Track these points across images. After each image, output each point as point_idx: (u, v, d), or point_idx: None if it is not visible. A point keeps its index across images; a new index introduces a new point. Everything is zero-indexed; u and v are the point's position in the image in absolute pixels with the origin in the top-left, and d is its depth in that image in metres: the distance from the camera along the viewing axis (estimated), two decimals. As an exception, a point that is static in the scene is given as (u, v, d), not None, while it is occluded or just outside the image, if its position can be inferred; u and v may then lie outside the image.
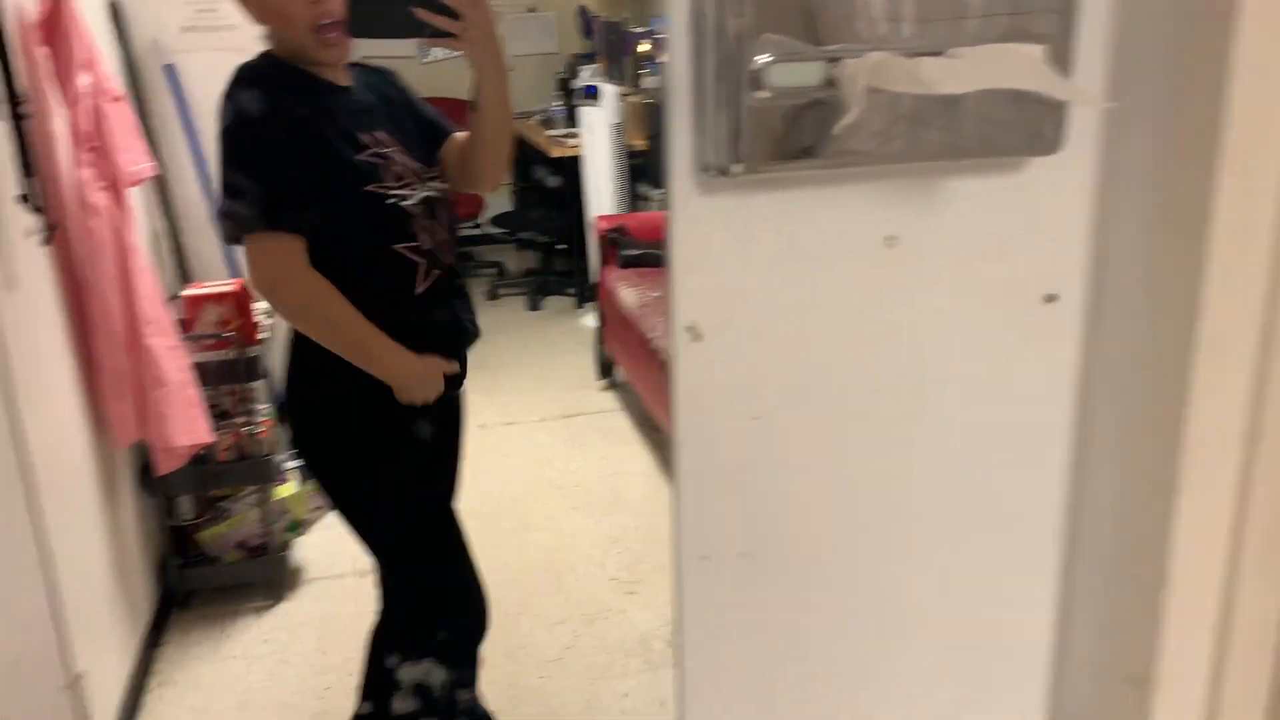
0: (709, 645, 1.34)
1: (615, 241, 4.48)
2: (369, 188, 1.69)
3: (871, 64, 0.96)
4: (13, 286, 2.17)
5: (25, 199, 2.16)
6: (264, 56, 1.75)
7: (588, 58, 6.31)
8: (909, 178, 1.14)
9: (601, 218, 4.75)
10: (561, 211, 5.86)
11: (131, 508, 2.82)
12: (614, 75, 5.83)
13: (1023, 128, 1.10)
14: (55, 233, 2.26)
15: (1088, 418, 1.34)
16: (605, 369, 4.61)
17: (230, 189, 1.64)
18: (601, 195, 5.27)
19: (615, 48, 5.84)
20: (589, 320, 5.40)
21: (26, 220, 2.19)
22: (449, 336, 1.87)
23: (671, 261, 1.09)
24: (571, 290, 5.89)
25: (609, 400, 4.46)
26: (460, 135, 1.89)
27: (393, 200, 1.71)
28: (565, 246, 6.06)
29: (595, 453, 3.96)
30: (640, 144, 5.55)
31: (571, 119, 5.86)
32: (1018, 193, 1.19)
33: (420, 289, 1.78)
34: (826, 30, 1.01)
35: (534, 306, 5.82)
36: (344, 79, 1.79)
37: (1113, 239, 1.23)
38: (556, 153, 5.63)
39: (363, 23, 1.56)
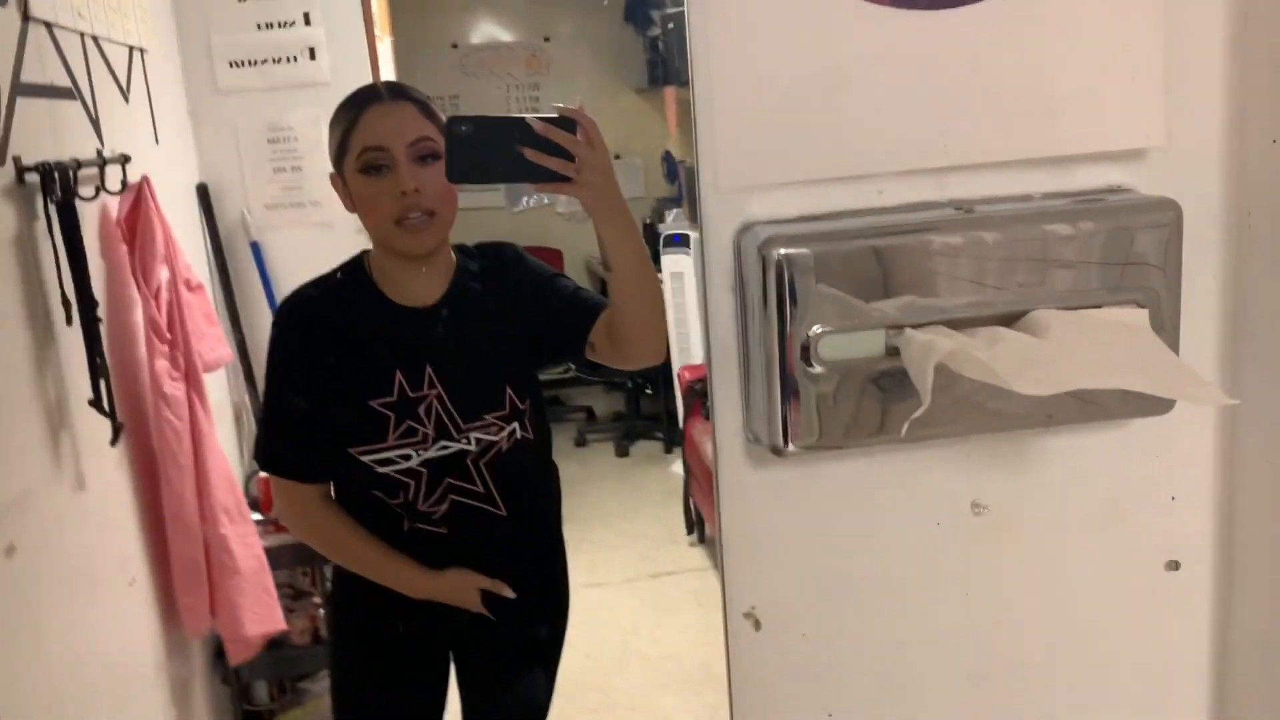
0: None
1: (700, 392, 4.37)
2: (354, 449, 1.62)
3: (941, 350, 0.83)
4: (82, 487, 2.15)
5: (94, 402, 2.15)
6: (340, 269, 1.71)
7: (673, 201, 6.34)
8: (993, 440, 1.00)
9: (686, 368, 4.65)
10: (651, 354, 5.80)
11: (204, 700, 2.74)
12: (698, 219, 5.82)
13: (1128, 390, 0.96)
14: (122, 432, 2.24)
15: (1225, 708, 1.15)
16: (693, 523, 4.45)
17: (260, 417, 1.76)
18: (688, 342, 5.19)
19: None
20: (678, 468, 5.27)
21: (96, 421, 2.19)
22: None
23: (722, 541, 0.97)
24: (659, 435, 5.78)
25: (698, 557, 4.28)
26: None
27: (369, 461, 1.62)
28: (652, 390, 5.99)
29: (685, 618, 3.77)
30: (726, 286, 5.51)
31: (656, 263, 5.85)
32: (1124, 450, 1.04)
33: (406, 528, 1.69)
34: (889, 283, 0.89)
35: (622, 452, 5.72)
36: (431, 292, 1.66)
37: (1241, 496, 1.06)
38: (642, 297, 5.60)
39: (464, 167, 1.32)
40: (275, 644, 2.84)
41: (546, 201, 6.70)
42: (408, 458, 1.61)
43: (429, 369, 1.61)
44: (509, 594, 1.69)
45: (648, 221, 6.36)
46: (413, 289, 1.65)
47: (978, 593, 1.05)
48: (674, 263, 5.25)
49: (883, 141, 1.06)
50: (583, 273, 6.55)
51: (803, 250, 0.93)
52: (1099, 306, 0.93)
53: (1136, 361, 0.88)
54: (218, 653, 2.81)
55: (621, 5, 6.65)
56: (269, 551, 2.74)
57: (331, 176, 1.65)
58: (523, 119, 1.28)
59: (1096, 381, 0.87)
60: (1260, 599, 1.06)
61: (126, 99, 2.70)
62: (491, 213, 6.50)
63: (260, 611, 2.67)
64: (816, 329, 0.89)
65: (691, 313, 5.15)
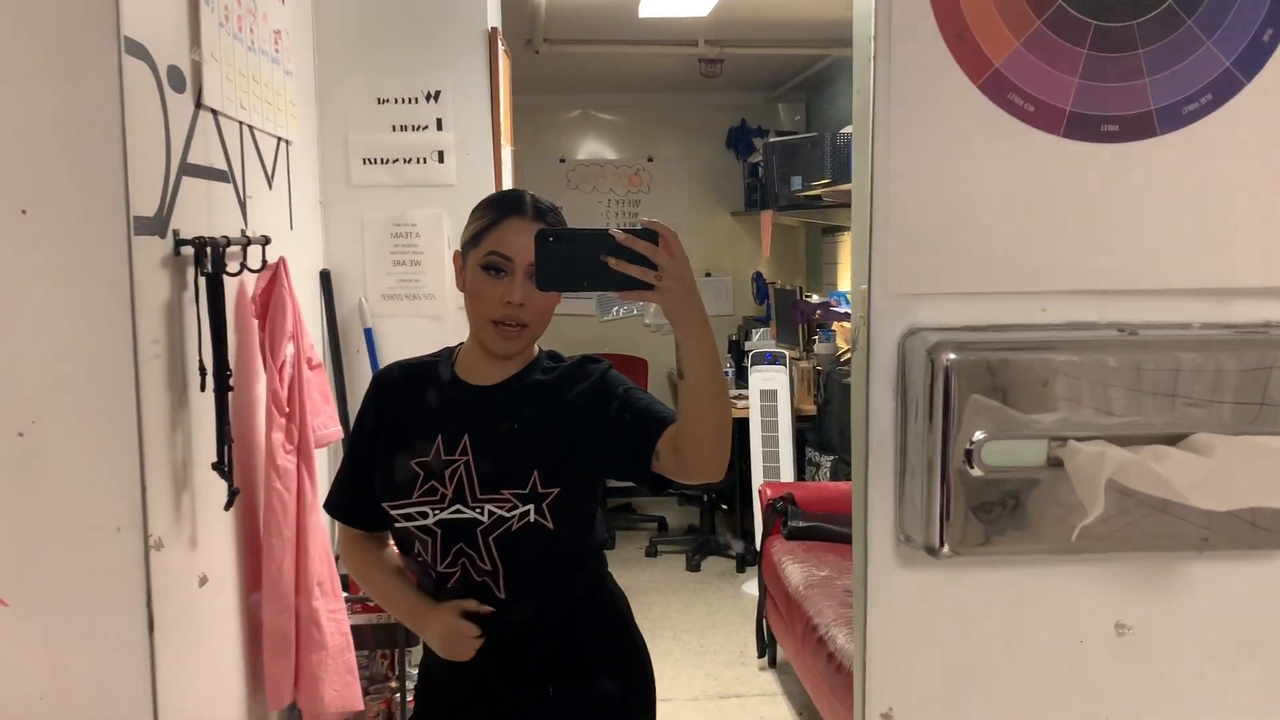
0: None
1: (782, 511, 4.35)
2: (384, 502, 1.73)
3: (1113, 462, 0.86)
4: (194, 546, 2.23)
5: (217, 466, 2.24)
6: (436, 353, 1.86)
7: (761, 321, 6.43)
8: (1144, 561, 1.01)
9: (768, 484, 4.64)
10: (727, 471, 5.80)
11: (274, 773, 2.75)
12: (785, 339, 5.89)
13: (1282, 521, 0.97)
14: (237, 496, 2.33)
15: None
16: (765, 647, 4.37)
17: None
18: (777, 460, 5.19)
19: (787, 313, 5.93)
20: (750, 587, 5.21)
21: (215, 484, 2.27)
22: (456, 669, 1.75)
23: (865, 638, 0.98)
24: (732, 553, 5.73)
25: (769, 682, 4.20)
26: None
27: (393, 514, 1.73)
28: (727, 507, 5.96)
29: (751, 743, 3.68)
30: (809, 409, 5.51)
31: (741, 380, 5.90)
32: (1274, 583, 1.04)
33: (443, 593, 1.76)
34: (1049, 397, 0.93)
35: (693, 567, 5.67)
36: (498, 376, 1.76)
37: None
38: (726, 413, 5.63)
39: (553, 276, 1.42)
40: (348, 725, 2.85)
41: (636, 312, 6.84)
42: (425, 515, 1.70)
43: (466, 437, 1.71)
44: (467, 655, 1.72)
45: (733, 339, 6.44)
46: (484, 373, 1.77)
47: (1117, 715, 1.04)
48: (766, 379, 5.29)
49: (1049, 261, 1.12)
50: (665, 384, 6.63)
51: (970, 357, 0.98)
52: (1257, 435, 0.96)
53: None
54: (293, 728, 2.83)
55: (724, 132, 6.90)
56: (354, 630, 2.78)
57: (455, 254, 1.79)
58: (606, 231, 1.38)
59: (1266, 500, 0.89)
60: None
61: (270, 185, 2.88)
62: (583, 320, 6.66)
63: (341, 689, 2.69)
64: (980, 434, 0.92)
65: (783, 431, 5.16)
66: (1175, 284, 1.14)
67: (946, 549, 0.93)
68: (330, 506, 1.89)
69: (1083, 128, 1.17)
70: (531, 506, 1.68)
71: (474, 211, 1.76)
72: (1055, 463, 0.94)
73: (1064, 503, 0.94)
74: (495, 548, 1.69)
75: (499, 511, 1.68)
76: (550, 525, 1.68)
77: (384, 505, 1.73)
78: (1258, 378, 1.03)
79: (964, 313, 1.10)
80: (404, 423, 1.76)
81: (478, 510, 1.69)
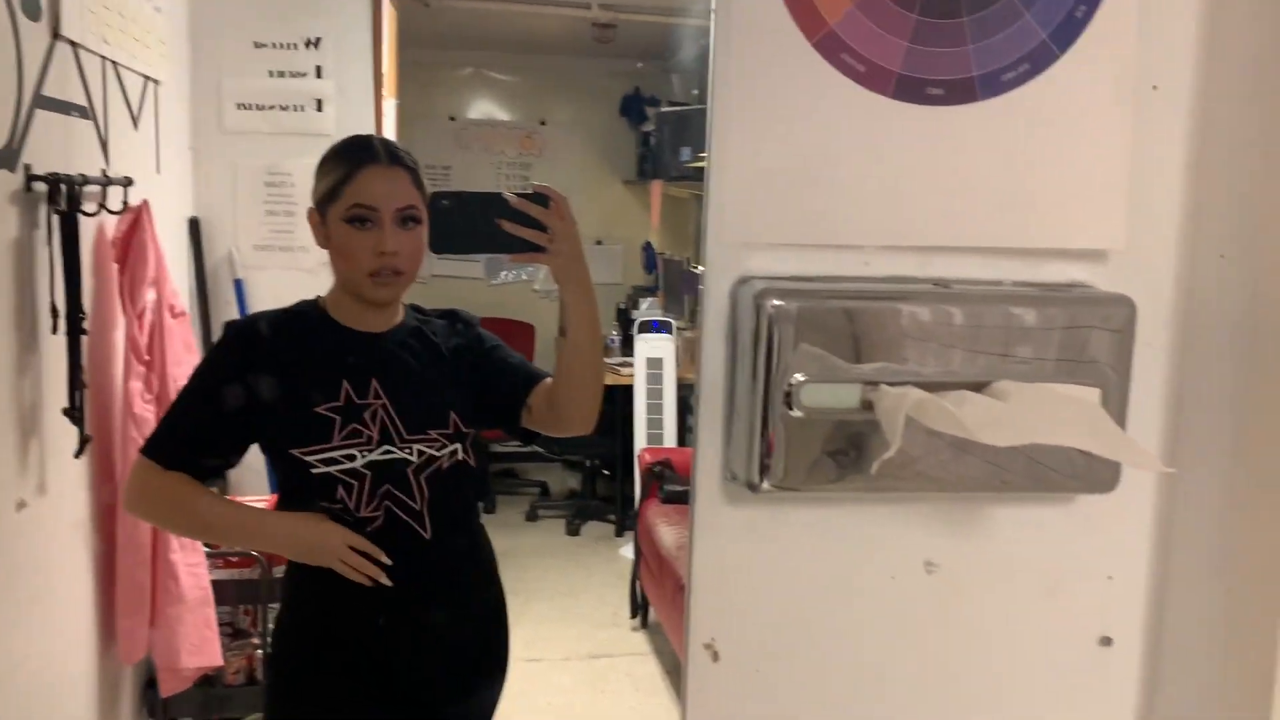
0: None
1: (659, 476, 4.41)
2: (297, 450, 1.66)
3: (912, 400, 0.92)
4: (43, 493, 2.15)
5: (69, 411, 2.17)
6: (294, 305, 1.79)
7: (649, 291, 6.47)
8: (951, 502, 1.08)
9: (648, 450, 4.70)
10: (609, 437, 5.85)
11: (128, 728, 2.69)
12: (672, 309, 5.95)
13: (1076, 466, 1.05)
14: (89, 444, 2.26)
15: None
16: (638, 608, 4.44)
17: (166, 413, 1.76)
18: (661, 427, 5.25)
19: (675, 283, 5.99)
20: (627, 551, 5.27)
21: (64, 433, 2.20)
22: (365, 605, 1.71)
23: (691, 571, 1.02)
24: (612, 517, 5.79)
25: (640, 642, 4.27)
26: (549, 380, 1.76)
27: (310, 460, 1.66)
28: (609, 472, 6.01)
29: (620, 701, 3.75)
30: (692, 378, 5.59)
31: (627, 348, 5.94)
32: (1069, 526, 1.12)
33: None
34: (867, 345, 0.98)
35: (573, 531, 5.71)
36: (381, 324, 1.75)
37: (1173, 580, 1.14)
38: (609, 380, 5.67)
39: (445, 237, 1.46)
40: (207, 681, 2.81)
41: (525, 277, 6.81)
42: (352, 458, 1.67)
43: (375, 382, 1.70)
44: (385, 559, 1.67)
45: (622, 307, 6.47)
46: (366, 320, 1.75)
47: (924, 647, 1.11)
48: (652, 348, 5.32)
49: (872, 217, 1.18)
50: (552, 349, 6.62)
51: (793, 304, 1.03)
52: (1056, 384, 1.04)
53: (1086, 428, 0.97)
54: (148, 682, 2.77)
55: (618, 99, 6.88)
56: (215, 585, 2.73)
57: (310, 212, 1.73)
58: (500, 194, 1.41)
59: (1050, 438, 0.97)
60: (1186, 680, 1.13)
61: (136, 126, 2.77)
62: (472, 283, 6.60)
63: (198, 644, 2.64)
64: (799, 377, 0.97)
65: (668, 398, 5.21)
66: (990, 243, 1.22)
67: (767, 485, 0.98)
68: (157, 452, 1.70)
69: (910, 90, 1.23)
70: (459, 446, 1.73)
71: (322, 165, 1.71)
72: (868, 406, 1.00)
73: (876, 445, 1.00)
74: (426, 487, 1.71)
75: (429, 451, 1.71)
76: (473, 463, 1.75)
77: (294, 452, 1.66)
78: (1062, 335, 1.10)
79: (793, 264, 1.16)
80: (290, 371, 1.69)
81: (407, 450, 1.69)
